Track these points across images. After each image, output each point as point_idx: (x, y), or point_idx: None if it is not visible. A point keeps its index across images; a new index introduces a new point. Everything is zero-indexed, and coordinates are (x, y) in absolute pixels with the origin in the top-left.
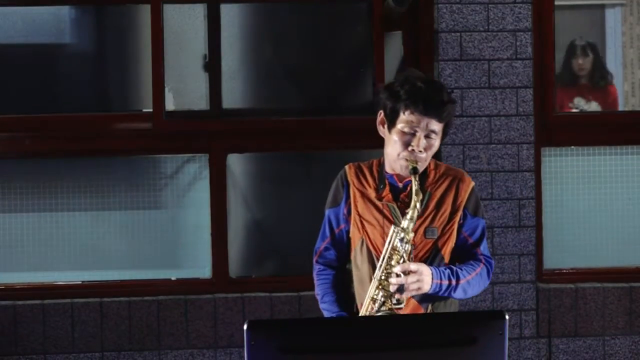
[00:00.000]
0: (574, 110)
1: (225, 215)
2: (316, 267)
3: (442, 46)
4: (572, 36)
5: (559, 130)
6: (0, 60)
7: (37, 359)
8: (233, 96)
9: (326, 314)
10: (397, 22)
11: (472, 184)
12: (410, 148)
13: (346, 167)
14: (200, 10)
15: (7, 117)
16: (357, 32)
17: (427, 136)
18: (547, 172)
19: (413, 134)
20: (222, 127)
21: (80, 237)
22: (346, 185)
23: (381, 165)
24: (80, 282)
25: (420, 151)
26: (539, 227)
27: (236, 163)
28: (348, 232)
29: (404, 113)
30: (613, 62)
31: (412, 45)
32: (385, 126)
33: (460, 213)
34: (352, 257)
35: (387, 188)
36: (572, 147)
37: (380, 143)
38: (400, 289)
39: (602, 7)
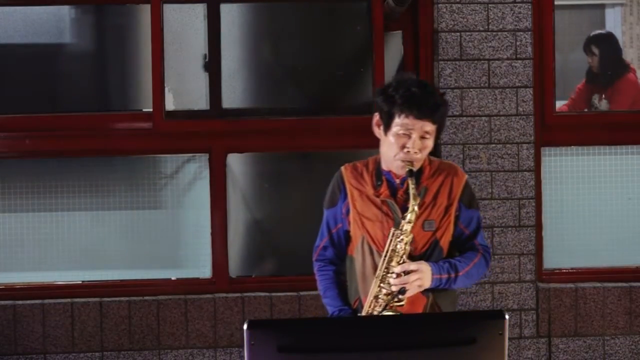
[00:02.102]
0: (572, 111)
1: (225, 215)
2: (316, 265)
3: (442, 46)
4: (573, 36)
5: (559, 130)
6: (0, 60)
7: (37, 358)
8: (233, 96)
9: (329, 309)
10: (397, 22)
11: (465, 177)
12: (406, 150)
13: (342, 168)
14: (200, 10)
15: (7, 117)
16: (357, 32)
17: (421, 137)
18: (547, 172)
19: (408, 136)
20: (222, 127)
21: (80, 237)
22: (343, 186)
23: (377, 162)
24: (80, 282)
25: (416, 152)
26: (538, 227)
27: (236, 163)
28: (346, 231)
29: (399, 117)
30: None
31: (412, 45)
32: (381, 128)
33: (455, 206)
34: (354, 254)
35: (385, 184)
36: (572, 147)
37: (379, 143)
38: (403, 290)
39: (602, 7)
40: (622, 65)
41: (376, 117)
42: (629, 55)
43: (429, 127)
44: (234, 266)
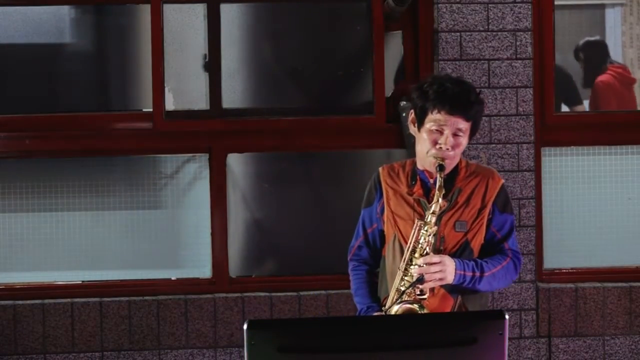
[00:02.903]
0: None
1: (225, 215)
2: (350, 264)
3: (442, 46)
4: (572, 36)
5: (559, 130)
6: (0, 60)
7: (37, 358)
8: (233, 96)
9: (358, 306)
10: (397, 22)
11: (502, 181)
12: (438, 146)
13: (380, 168)
14: (200, 10)
15: (7, 117)
16: (357, 32)
17: (454, 134)
18: (547, 172)
19: (441, 132)
20: (222, 127)
21: (80, 237)
22: (379, 186)
23: (414, 163)
24: (80, 282)
25: (448, 149)
26: (539, 227)
27: (236, 163)
28: (381, 231)
29: (432, 112)
30: None
31: (412, 45)
32: (416, 125)
33: (489, 209)
34: (385, 253)
35: (418, 184)
36: (572, 147)
37: (379, 143)
38: (421, 278)
39: (602, 7)
40: (603, 69)
41: (412, 114)
42: (629, 55)
43: (462, 124)
44: (234, 266)
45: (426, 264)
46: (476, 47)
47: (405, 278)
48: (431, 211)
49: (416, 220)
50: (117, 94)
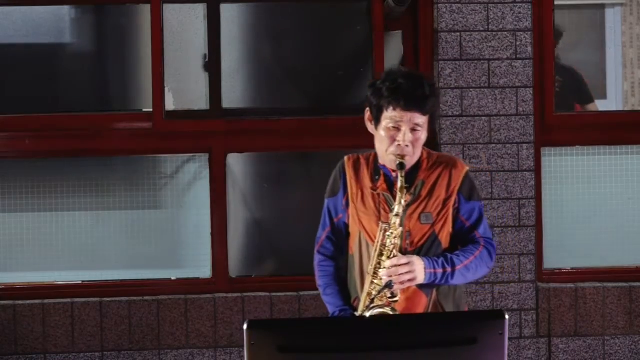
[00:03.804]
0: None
1: (225, 215)
2: (317, 257)
3: (442, 46)
4: (572, 36)
5: (559, 130)
6: (0, 60)
7: (37, 358)
8: (233, 96)
9: (329, 307)
10: (397, 22)
11: (466, 168)
12: (396, 143)
13: (345, 158)
14: (200, 10)
15: (7, 117)
16: (357, 32)
17: (413, 129)
18: (547, 172)
19: (398, 129)
20: (222, 127)
21: (80, 237)
22: (343, 177)
23: (376, 157)
24: (80, 282)
25: (407, 145)
26: (539, 227)
27: (236, 163)
28: (346, 224)
29: (387, 110)
30: (613, 62)
31: (412, 45)
32: (373, 123)
33: (454, 198)
34: (352, 252)
35: (382, 178)
36: (572, 147)
37: None
38: (390, 283)
39: (602, 7)
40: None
41: (367, 112)
42: (629, 55)
43: (419, 119)
44: (234, 266)
45: (394, 265)
46: (476, 47)
47: (375, 282)
48: (394, 213)
49: (380, 223)
50: (117, 94)
